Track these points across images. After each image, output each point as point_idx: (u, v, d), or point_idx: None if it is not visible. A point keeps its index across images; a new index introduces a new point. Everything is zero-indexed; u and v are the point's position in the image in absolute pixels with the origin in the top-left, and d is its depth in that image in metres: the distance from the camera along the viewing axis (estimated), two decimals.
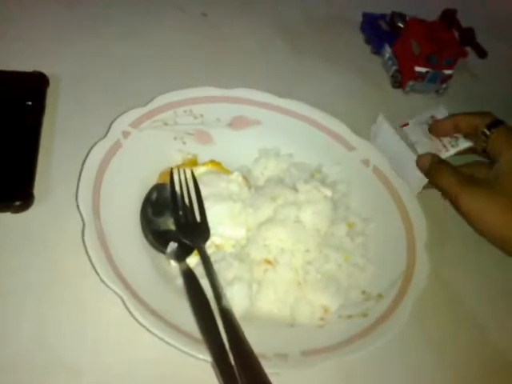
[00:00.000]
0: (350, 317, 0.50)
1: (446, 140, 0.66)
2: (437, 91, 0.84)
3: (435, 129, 0.67)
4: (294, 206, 0.55)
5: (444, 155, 0.65)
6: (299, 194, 0.56)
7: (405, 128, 0.68)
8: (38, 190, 0.54)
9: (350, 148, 0.65)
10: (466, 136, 0.66)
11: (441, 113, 0.69)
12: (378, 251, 0.57)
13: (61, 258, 0.51)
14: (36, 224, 0.53)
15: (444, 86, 0.83)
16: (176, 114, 0.62)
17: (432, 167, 0.63)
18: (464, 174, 0.61)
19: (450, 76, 0.82)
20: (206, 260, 0.51)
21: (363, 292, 0.53)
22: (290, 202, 0.56)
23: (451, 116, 0.68)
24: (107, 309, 0.46)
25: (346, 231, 0.57)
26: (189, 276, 0.49)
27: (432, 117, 0.69)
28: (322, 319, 0.50)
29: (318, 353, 0.46)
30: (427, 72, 0.80)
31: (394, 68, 0.84)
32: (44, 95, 0.63)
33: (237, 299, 0.48)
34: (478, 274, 0.62)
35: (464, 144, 0.66)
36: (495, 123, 0.63)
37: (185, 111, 0.63)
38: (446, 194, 0.61)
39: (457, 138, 0.66)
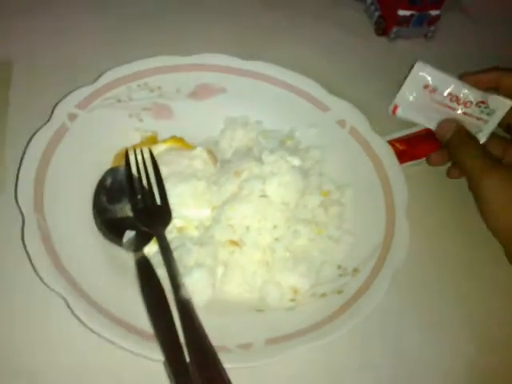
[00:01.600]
0: (323, 295, 0.47)
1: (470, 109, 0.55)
2: (425, 35, 0.77)
3: (467, 80, 0.55)
4: (258, 180, 0.50)
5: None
6: (265, 166, 0.52)
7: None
8: None
9: (324, 108, 0.60)
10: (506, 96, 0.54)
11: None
12: (355, 221, 0.52)
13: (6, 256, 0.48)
14: None
15: (432, 28, 0.76)
16: (130, 89, 0.57)
17: (455, 140, 0.54)
18: (492, 155, 0.52)
19: (437, 17, 0.74)
20: (164, 248, 0.47)
21: (339, 267, 0.49)
22: (255, 176, 0.51)
23: (492, 69, 0.56)
24: (58, 311, 0.43)
25: (319, 202, 0.52)
26: (143, 265, 0.45)
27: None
28: (292, 300, 0.47)
29: (286, 339, 0.42)
30: (412, 15, 0.73)
31: (377, 14, 0.77)
32: None
33: (198, 288, 0.45)
34: (461, 247, 0.57)
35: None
36: None
37: (139, 85, 0.58)
38: (466, 175, 0.53)
39: (485, 103, 0.54)
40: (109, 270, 0.46)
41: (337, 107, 0.59)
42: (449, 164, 0.60)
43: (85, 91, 0.55)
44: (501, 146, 0.55)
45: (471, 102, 0.55)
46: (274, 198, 0.50)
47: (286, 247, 0.48)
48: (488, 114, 0.55)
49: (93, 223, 0.49)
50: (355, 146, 0.57)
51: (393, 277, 0.46)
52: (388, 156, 0.55)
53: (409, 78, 0.57)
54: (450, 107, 0.57)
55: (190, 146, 0.57)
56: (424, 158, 0.64)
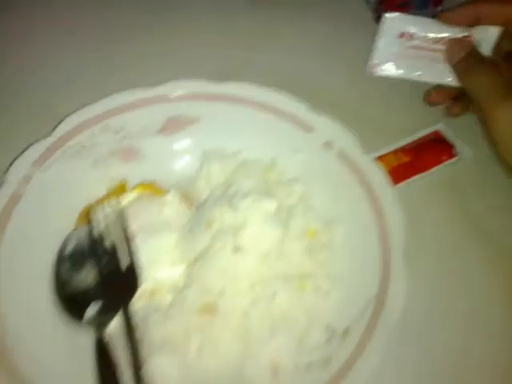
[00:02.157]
0: (308, 366, 0.41)
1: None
2: (432, 17, 0.66)
3: (444, 17, 0.49)
4: (230, 231, 0.45)
5: None
6: (238, 213, 0.46)
7: None
8: None
9: (308, 129, 0.52)
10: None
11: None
12: (346, 268, 0.45)
13: None
14: None
15: (440, 8, 0.65)
16: (91, 135, 0.52)
17: (468, 61, 0.47)
18: (508, 81, 0.45)
19: None
20: (127, 325, 0.42)
21: (327, 328, 0.43)
22: (228, 226, 0.45)
23: (469, 2, 0.49)
24: None
25: (303, 248, 0.46)
26: (101, 348, 0.41)
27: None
28: (274, 374, 0.41)
29: None
30: None
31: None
32: None
33: (164, 374, 0.40)
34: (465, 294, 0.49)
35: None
36: None
37: (102, 129, 0.52)
38: (478, 98, 0.46)
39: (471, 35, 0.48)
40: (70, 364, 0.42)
41: (322, 127, 0.52)
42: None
43: (41, 145, 0.50)
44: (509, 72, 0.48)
45: (454, 37, 0.48)
46: (248, 251, 0.44)
47: (264, 312, 0.42)
48: (477, 46, 0.49)
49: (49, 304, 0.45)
50: (345, 173, 0.50)
51: (387, 338, 0.40)
52: (381, 184, 0.47)
53: (381, 31, 0.50)
54: (432, 50, 0.49)
55: (161, 191, 0.52)
56: (434, 169, 0.56)
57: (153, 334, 0.42)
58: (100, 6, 0.67)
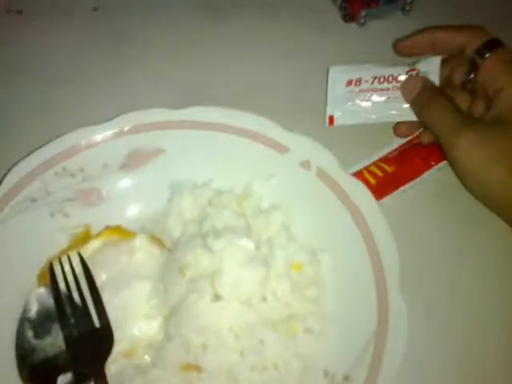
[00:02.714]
0: None
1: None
2: (403, 9, 0.63)
3: (402, 45, 0.52)
4: (206, 279, 0.40)
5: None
6: (214, 256, 0.41)
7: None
8: None
9: (283, 150, 0.48)
10: (445, 60, 0.50)
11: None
12: (338, 302, 0.41)
13: None
14: None
15: (409, 0, 0.62)
16: (45, 182, 0.47)
17: (423, 96, 0.48)
18: (463, 113, 0.46)
19: None
20: None
21: (325, 373, 0.39)
22: (202, 272, 0.41)
23: (425, 29, 0.51)
24: None
25: (289, 287, 0.41)
26: None
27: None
28: None
29: None
30: None
31: None
32: None
33: None
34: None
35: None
36: (490, 44, 0.47)
37: (56, 173, 0.48)
38: (436, 132, 0.46)
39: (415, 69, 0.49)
40: None
41: (297, 146, 0.47)
42: None
43: None
44: (465, 102, 0.49)
45: (399, 75, 0.50)
46: (228, 298, 0.40)
47: (252, 368, 0.38)
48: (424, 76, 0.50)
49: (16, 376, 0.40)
50: (326, 194, 0.45)
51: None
52: (367, 202, 0.43)
53: (329, 84, 0.51)
54: (382, 90, 0.50)
55: (129, 235, 0.47)
56: (422, 176, 0.52)
57: None
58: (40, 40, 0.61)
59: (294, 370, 0.38)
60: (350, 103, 0.51)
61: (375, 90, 0.50)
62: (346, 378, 0.37)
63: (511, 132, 0.43)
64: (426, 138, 0.51)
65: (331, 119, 0.51)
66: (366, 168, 0.51)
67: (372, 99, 0.50)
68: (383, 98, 0.50)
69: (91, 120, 0.49)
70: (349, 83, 0.50)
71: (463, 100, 0.49)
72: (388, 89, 0.50)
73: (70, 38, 0.61)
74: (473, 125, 0.44)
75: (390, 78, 0.50)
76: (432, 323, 0.44)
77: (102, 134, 0.48)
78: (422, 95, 0.48)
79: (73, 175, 0.48)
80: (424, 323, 0.43)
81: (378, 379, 0.36)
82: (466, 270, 0.47)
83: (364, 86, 0.50)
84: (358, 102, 0.51)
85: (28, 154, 0.47)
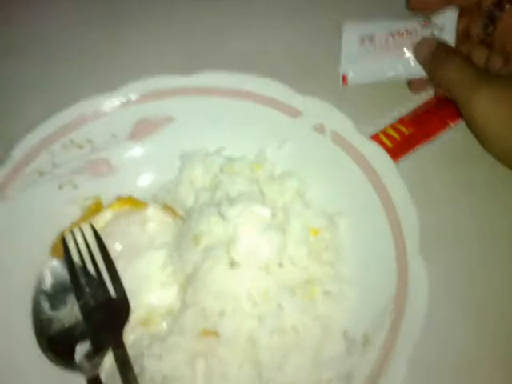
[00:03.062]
0: (329, 382, 0.36)
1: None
2: None
3: (416, 0, 0.49)
4: (222, 246, 0.39)
5: None
6: (228, 224, 0.40)
7: None
8: None
9: (295, 113, 0.47)
10: (461, 14, 0.47)
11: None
12: (357, 265, 0.41)
13: None
14: None
15: None
16: (52, 154, 0.46)
17: (437, 56, 0.47)
18: (480, 70, 0.45)
19: None
20: (121, 362, 0.38)
21: (345, 334, 0.38)
22: (218, 239, 0.40)
23: None
24: None
25: (306, 251, 0.41)
26: None
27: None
28: None
29: None
30: None
31: None
32: None
33: None
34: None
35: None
36: None
37: (64, 145, 0.47)
38: (452, 94, 0.45)
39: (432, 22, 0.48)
40: None
41: (310, 109, 0.46)
42: None
43: None
44: (482, 57, 0.48)
45: (415, 29, 0.49)
46: (245, 265, 0.39)
47: (271, 331, 0.37)
48: (440, 30, 0.48)
49: (35, 346, 0.40)
50: (342, 158, 0.44)
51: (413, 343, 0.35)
52: (385, 166, 0.42)
53: (343, 42, 0.50)
54: (397, 46, 0.49)
55: (141, 205, 0.46)
56: (440, 134, 0.51)
57: (152, 368, 0.38)
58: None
59: (314, 332, 0.38)
60: (363, 61, 0.49)
61: (390, 47, 0.49)
62: (366, 340, 0.37)
63: None
64: (442, 91, 0.50)
65: (344, 78, 0.50)
66: (383, 131, 0.50)
67: (386, 56, 0.49)
68: (398, 55, 0.49)
69: (97, 92, 0.47)
70: (363, 40, 0.49)
71: (480, 54, 0.47)
72: (403, 45, 0.49)
73: (71, 14, 0.59)
74: (490, 81, 0.42)
75: (405, 34, 0.48)
76: (451, 285, 0.43)
77: (109, 103, 0.47)
78: (436, 56, 0.47)
79: (80, 146, 0.47)
80: (443, 286, 0.42)
81: (398, 341, 0.35)
82: (485, 230, 0.46)
83: (378, 42, 0.49)
84: (372, 59, 0.49)
85: (34, 127, 0.46)
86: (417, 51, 0.49)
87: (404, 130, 0.50)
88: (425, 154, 0.49)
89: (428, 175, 0.48)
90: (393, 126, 0.51)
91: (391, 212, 0.40)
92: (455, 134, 0.50)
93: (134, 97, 0.48)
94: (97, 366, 0.39)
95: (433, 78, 0.48)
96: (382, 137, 0.49)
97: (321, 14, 0.57)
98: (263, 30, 0.57)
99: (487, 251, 0.45)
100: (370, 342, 0.37)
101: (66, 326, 0.41)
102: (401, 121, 0.51)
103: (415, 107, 0.52)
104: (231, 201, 0.41)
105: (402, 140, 0.49)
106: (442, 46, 0.47)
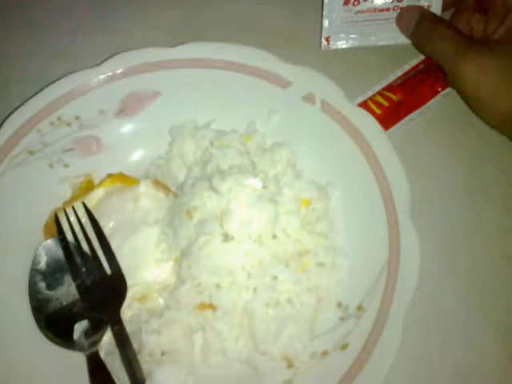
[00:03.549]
0: (324, 354, 0.37)
1: None
2: None
3: None
4: (215, 221, 0.40)
5: None
6: (221, 197, 0.40)
7: None
8: None
9: (285, 84, 0.46)
10: None
11: None
12: (349, 235, 0.41)
13: None
14: None
15: None
16: (40, 133, 0.46)
17: (421, 26, 0.46)
18: (466, 37, 0.45)
19: None
20: (120, 338, 0.38)
21: (338, 305, 0.39)
22: (210, 214, 0.40)
23: None
24: None
25: (299, 222, 0.41)
26: (95, 366, 0.38)
27: None
28: (290, 367, 0.37)
29: None
30: None
31: None
32: None
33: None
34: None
35: None
36: None
37: (52, 123, 0.46)
38: (440, 62, 0.45)
39: None
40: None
41: (299, 79, 0.45)
42: None
43: None
44: (478, 23, 0.47)
45: None
46: (239, 237, 0.39)
47: (266, 303, 0.38)
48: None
49: (34, 325, 0.40)
50: (333, 127, 0.44)
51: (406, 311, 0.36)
52: (375, 134, 0.42)
53: (326, 4, 0.48)
54: (382, 10, 0.48)
55: (132, 182, 0.46)
56: (428, 103, 0.50)
57: (151, 343, 0.38)
58: None
59: (308, 303, 0.39)
60: (347, 24, 0.48)
61: (375, 11, 0.48)
62: (360, 308, 0.38)
63: None
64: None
65: (328, 40, 0.49)
66: (371, 98, 0.49)
67: (371, 20, 0.48)
68: (383, 19, 0.48)
69: (82, 65, 0.46)
70: (346, 2, 0.48)
71: (476, 21, 0.47)
72: (388, 9, 0.48)
73: None
74: (476, 49, 0.42)
75: None
76: (442, 253, 0.44)
77: (94, 78, 0.46)
78: (419, 26, 0.46)
79: (69, 124, 0.47)
80: (434, 253, 0.43)
81: (392, 307, 0.36)
82: (474, 194, 0.47)
83: (363, 5, 0.48)
84: (356, 22, 0.48)
85: (21, 105, 0.45)
86: (401, 20, 0.48)
87: (393, 96, 0.50)
88: (415, 121, 0.49)
89: (418, 142, 0.49)
90: (381, 93, 0.50)
91: (382, 180, 0.40)
92: (445, 100, 0.50)
93: (119, 71, 0.47)
94: (95, 343, 0.39)
95: (420, 50, 0.48)
96: (371, 104, 0.49)
97: None
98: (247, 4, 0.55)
99: (475, 214, 0.46)
100: (363, 308, 0.37)
101: (64, 304, 0.41)
102: (389, 87, 0.51)
103: (404, 73, 0.51)
104: (223, 174, 0.41)
105: (391, 107, 0.49)
106: (426, 15, 0.46)
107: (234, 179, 0.40)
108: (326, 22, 0.49)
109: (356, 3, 0.48)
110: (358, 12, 0.48)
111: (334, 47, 0.49)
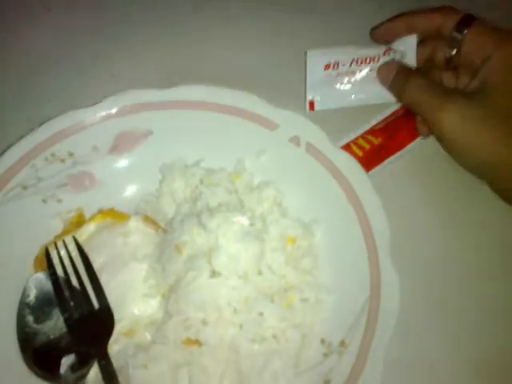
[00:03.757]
0: None
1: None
2: None
3: (377, 33, 0.52)
4: (204, 256, 0.41)
5: None
6: (209, 234, 0.42)
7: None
8: None
9: (272, 126, 0.48)
10: (423, 41, 0.51)
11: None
12: (332, 272, 0.42)
13: None
14: None
15: None
16: (35, 168, 0.47)
17: (398, 79, 0.49)
18: (442, 86, 0.48)
19: None
20: (106, 372, 0.39)
21: (322, 341, 0.40)
22: (199, 250, 0.42)
23: (401, 14, 0.52)
24: None
25: (284, 259, 0.42)
26: None
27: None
28: None
29: None
30: None
31: None
32: None
33: None
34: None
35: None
36: (465, 20, 0.47)
37: (46, 158, 0.48)
38: (420, 114, 0.48)
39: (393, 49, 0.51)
40: None
41: (286, 122, 0.48)
42: None
43: None
44: (450, 79, 0.50)
45: (378, 55, 0.51)
46: (226, 273, 0.41)
47: (252, 340, 0.39)
48: (401, 56, 0.50)
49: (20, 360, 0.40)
50: (317, 168, 0.46)
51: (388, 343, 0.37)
52: (357, 175, 0.44)
53: (308, 70, 0.52)
54: (360, 72, 0.52)
55: (123, 217, 0.47)
56: (408, 147, 0.53)
57: (138, 378, 0.39)
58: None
59: (293, 339, 0.40)
60: (328, 87, 0.51)
61: (353, 73, 0.51)
62: (342, 343, 0.39)
63: (496, 96, 0.43)
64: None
65: (311, 105, 0.52)
66: (353, 141, 0.52)
67: (351, 82, 0.51)
68: (362, 81, 0.51)
69: (77, 105, 0.48)
70: (327, 67, 0.51)
71: (448, 77, 0.49)
72: (366, 71, 0.51)
73: (50, 27, 0.59)
74: (454, 98, 0.44)
75: (368, 60, 0.50)
76: (423, 290, 0.45)
77: (89, 116, 0.48)
78: (397, 79, 0.49)
79: (62, 160, 0.48)
80: (415, 290, 0.44)
81: (373, 343, 0.37)
82: (452, 236, 0.49)
83: (342, 69, 0.51)
84: (336, 85, 0.51)
85: (17, 141, 0.47)
86: (380, 76, 0.51)
87: (374, 140, 0.53)
88: (395, 163, 0.52)
89: (398, 183, 0.51)
90: (363, 137, 0.53)
91: (363, 219, 0.42)
92: (424, 143, 0.52)
93: (114, 110, 0.49)
94: (82, 377, 0.40)
95: (399, 100, 0.50)
96: (353, 147, 0.51)
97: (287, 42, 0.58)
98: (237, 53, 0.57)
99: (452, 253, 0.48)
100: (346, 344, 0.38)
101: (51, 338, 0.42)
102: (371, 131, 0.53)
103: (384, 118, 0.54)
104: (211, 211, 0.43)
105: (372, 150, 0.52)
106: (402, 68, 0.49)
107: (222, 216, 0.42)
108: (308, 87, 0.52)
109: (336, 67, 0.51)
110: (338, 75, 0.51)
111: (317, 109, 0.52)
